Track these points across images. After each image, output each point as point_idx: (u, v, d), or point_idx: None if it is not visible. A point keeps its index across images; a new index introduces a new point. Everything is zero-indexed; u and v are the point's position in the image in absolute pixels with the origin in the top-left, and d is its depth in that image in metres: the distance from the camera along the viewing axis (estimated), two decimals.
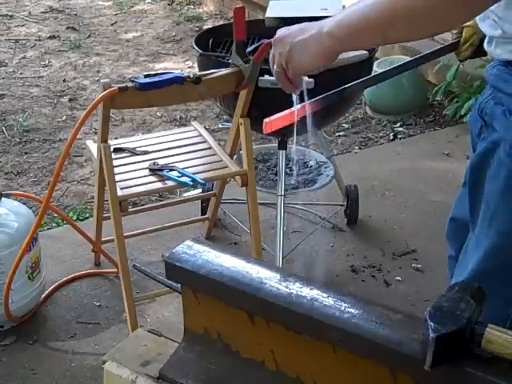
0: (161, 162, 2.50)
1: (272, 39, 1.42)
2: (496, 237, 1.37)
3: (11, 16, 5.73)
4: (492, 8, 1.26)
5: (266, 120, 1.55)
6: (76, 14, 5.78)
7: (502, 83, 1.34)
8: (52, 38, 5.28)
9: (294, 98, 1.54)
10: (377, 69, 3.87)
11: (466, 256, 1.46)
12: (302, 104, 1.58)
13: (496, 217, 1.37)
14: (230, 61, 2.44)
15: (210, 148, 2.63)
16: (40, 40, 5.24)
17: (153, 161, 2.51)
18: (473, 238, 1.44)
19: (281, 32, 1.40)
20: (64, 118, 4.12)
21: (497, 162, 1.36)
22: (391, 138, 3.93)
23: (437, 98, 4.14)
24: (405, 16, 1.18)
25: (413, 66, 1.94)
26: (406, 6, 1.17)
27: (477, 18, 1.36)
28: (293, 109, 1.56)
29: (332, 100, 1.68)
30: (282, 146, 2.73)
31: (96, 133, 3.38)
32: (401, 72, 1.88)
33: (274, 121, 1.54)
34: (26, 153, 3.76)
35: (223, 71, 2.38)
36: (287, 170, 2.90)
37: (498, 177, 1.35)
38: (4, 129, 3.97)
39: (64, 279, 2.78)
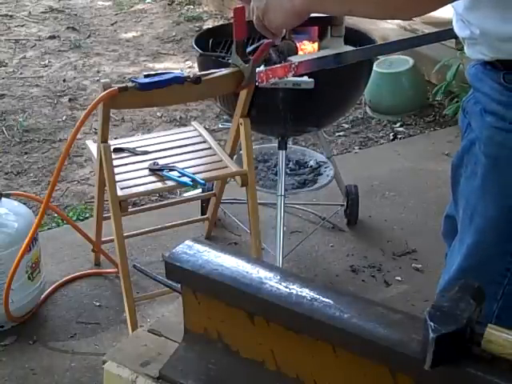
0: (161, 161, 2.50)
1: None
2: (477, 234, 1.39)
3: (11, 16, 5.72)
4: (459, 11, 1.32)
5: (261, 69, 1.57)
6: (76, 14, 5.78)
7: (479, 82, 1.37)
8: (52, 37, 5.28)
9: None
10: (376, 68, 3.87)
11: (452, 254, 1.48)
12: (300, 61, 1.62)
13: (476, 214, 1.39)
14: (229, 61, 2.44)
15: (209, 148, 2.62)
16: (40, 40, 5.24)
17: (153, 161, 2.51)
18: (457, 235, 1.47)
19: None
20: (64, 118, 4.12)
21: (474, 160, 1.39)
22: (391, 138, 3.93)
23: (437, 98, 4.14)
24: None
25: (414, 46, 1.95)
26: None
27: (453, 19, 1.40)
28: (289, 62, 1.59)
29: (328, 64, 1.72)
30: (282, 146, 2.73)
31: (96, 133, 3.38)
32: (402, 49, 1.90)
33: (269, 70, 1.57)
34: (26, 153, 3.76)
35: (223, 71, 2.38)
36: (287, 170, 2.90)
37: (476, 175, 1.38)
38: (4, 129, 3.97)
39: (64, 279, 2.78)
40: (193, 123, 2.84)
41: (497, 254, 1.38)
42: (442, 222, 1.63)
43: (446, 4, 1.25)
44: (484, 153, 1.35)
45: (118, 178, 2.36)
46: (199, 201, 3.03)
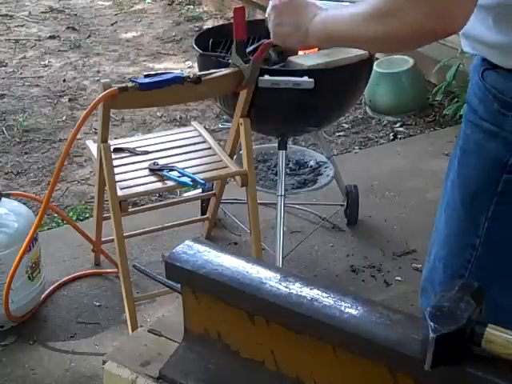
0: (161, 161, 2.50)
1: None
2: (446, 226, 1.47)
3: (11, 16, 5.72)
4: None
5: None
6: (76, 14, 5.78)
7: (473, 73, 1.41)
8: (52, 38, 5.28)
9: None
10: (376, 68, 3.87)
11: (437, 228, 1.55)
12: None
13: (448, 207, 1.48)
14: (230, 61, 2.44)
15: (209, 148, 2.62)
16: (40, 40, 5.24)
17: (153, 161, 2.51)
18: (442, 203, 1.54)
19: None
20: (64, 118, 4.12)
21: (455, 153, 1.45)
22: (391, 138, 3.93)
23: (437, 98, 4.14)
24: (369, 40, 1.32)
25: None
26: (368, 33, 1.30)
27: None
28: None
29: None
30: (282, 146, 2.73)
31: (96, 133, 3.38)
32: None
33: None
34: (26, 153, 3.76)
35: (223, 71, 2.38)
36: (287, 170, 2.90)
37: (454, 168, 1.44)
38: (4, 129, 3.97)
39: (64, 279, 2.78)
40: (193, 123, 2.84)
41: (460, 246, 1.43)
42: None
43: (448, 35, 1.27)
44: (459, 145, 1.41)
45: (118, 178, 2.36)
46: (199, 201, 3.03)
